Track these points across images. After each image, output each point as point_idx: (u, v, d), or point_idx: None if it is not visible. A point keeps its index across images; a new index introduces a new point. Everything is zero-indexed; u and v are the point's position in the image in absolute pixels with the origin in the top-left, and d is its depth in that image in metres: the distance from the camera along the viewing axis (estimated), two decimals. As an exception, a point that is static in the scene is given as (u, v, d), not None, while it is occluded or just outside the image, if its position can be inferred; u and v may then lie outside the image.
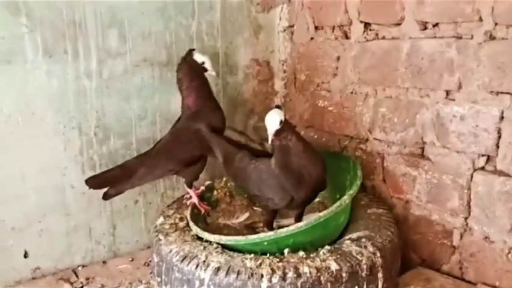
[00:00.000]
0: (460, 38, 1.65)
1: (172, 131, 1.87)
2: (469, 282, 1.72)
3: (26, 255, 1.86)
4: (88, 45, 1.87)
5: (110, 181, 1.79)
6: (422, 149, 1.83)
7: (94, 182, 1.78)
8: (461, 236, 1.74)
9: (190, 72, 1.83)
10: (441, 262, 1.81)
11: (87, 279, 1.87)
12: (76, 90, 1.88)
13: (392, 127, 1.91)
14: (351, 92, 2.07)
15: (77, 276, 1.91)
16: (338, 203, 1.56)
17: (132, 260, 2.03)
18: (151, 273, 1.87)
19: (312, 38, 2.23)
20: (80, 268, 1.96)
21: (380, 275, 1.51)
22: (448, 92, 1.71)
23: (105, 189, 1.79)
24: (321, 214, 1.52)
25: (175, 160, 1.83)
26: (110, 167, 1.94)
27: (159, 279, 1.62)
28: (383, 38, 1.90)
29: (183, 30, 2.08)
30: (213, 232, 1.65)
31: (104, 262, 2.02)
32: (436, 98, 1.75)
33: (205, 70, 1.85)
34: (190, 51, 1.84)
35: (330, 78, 2.16)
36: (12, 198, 1.81)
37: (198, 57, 1.83)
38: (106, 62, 1.92)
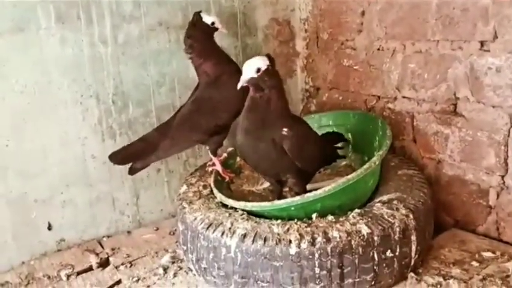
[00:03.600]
0: (495, -17, 1.54)
1: (193, 100, 1.79)
2: (506, 242, 1.66)
3: (50, 227, 1.86)
4: (102, 9, 1.82)
5: (134, 156, 1.74)
6: (455, 105, 1.75)
7: (117, 158, 1.73)
8: (498, 195, 1.67)
9: (202, 36, 1.75)
10: (476, 223, 1.75)
11: (112, 249, 1.86)
12: (92, 57, 1.83)
13: (422, 84, 1.82)
14: (378, 49, 1.98)
15: (102, 246, 1.90)
16: (366, 165, 1.50)
17: (157, 230, 2.01)
18: (176, 242, 1.84)
19: (334, -7, 2.13)
20: (105, 239, 1.96)
21: (413, 237, 1.45)
22: (482, 43, 1.62)
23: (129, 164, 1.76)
24: (349, 177, 1.46)
25: (200, 130, 1.77)
26: (130, 135, 1.91)
27: (185, 248, 1.60)
28: (411, -12, 1.79)
29: (199, -11, 2.00)
30: (238, 199, 1.61)
31: (129, 232, 2.02)
32: (470, 49, 1.65)
33: (216, 30, 1.77)
34: (198, 14, 1.76)
35: (355, 35, 2.07)
36: (33, 169, 1.79)
37: (207, 19, 1.75)
38: (120, 27, 1.87)
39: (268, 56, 1.50)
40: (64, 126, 1.82)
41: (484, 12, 1.57)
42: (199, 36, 1.75)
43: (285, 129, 1.50)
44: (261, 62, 1.46)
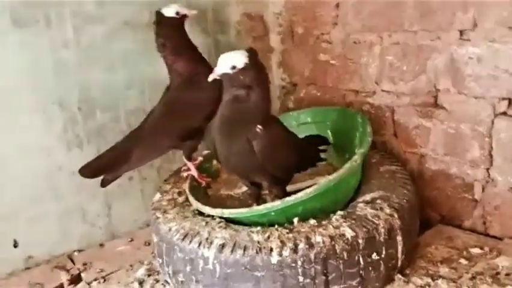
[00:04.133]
0: (474, -31, 1.49)
1: (164, 103, 1.70)
2: (494, 237, 1.62)
3: (15, 245, 1.75)
4: (62, 11, 1.72)
5: (105, 167, 1.65)
6: (436, 97, 1.70)
7: (88, 171, 1.64)
8: (483, 189, 1.63)
9: (172, 31, 1.66)
10: (462, 218, 1.71)
11: (84, 264, 1.77)
12: (54, 62, 1.73)
13: (401, 76, 1.78)
14: (354, 42, 1.93)
15: (73, 262, 1.80)
16: (348, 164, 1.44)
17: (131, 241, 1.92)
18: (152, 253, 1.76)
19: (307, -14, 2.07)
20: (76, 253, 1.86)
21: (399, 238, 1.40)
22: (461, 32, 1.57)
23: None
24: (330, 177, 1.40)
25: (173, 135, 1.68)
26: (98, 143, 1.83)
27: (160, 260, 1.52)
28: (386, -22, 1.74)
29: (166, -14, 1.91)
30: (215, 205, 1.53)
31: (101, 245, 1.92)
32: (449, 39, 1.61)
33: (185, 17, 1.68)
34: (158, 12, 1.67)
35: (331, 28, 2.01)
36: (-4, 184, 1.69)
37: (169, 11, 1.66)
38: (83, 29, 1.77)
39: (250, 51, 1.40)
40: (26, 137, 1.72)
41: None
42: (169, 33, 1.66)
43: (259, 127, 1.41)
44: (238, 59, 1.35)
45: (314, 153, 1.74)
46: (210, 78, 1.37)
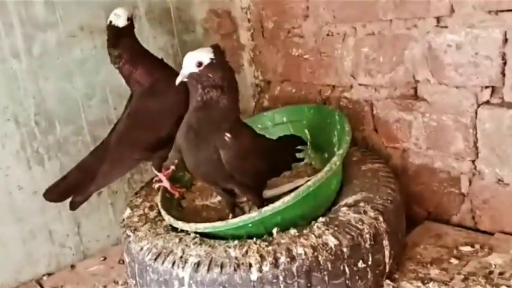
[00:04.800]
0: (446, -50, 1.43)
1: (129, 114, 1.61)
2: (484, 232, 1.56)
3: (-23, 274, 1.64)
4: (9, 18, 1.62)
5: (72, 188, 1.57)
6: (415, 89, 1.64)
7: (53, 194, 1.57)
8: (470, 182, 1.57)
9: (125, 41, 1.57)
10: (450, 213, 1.65)
11: None
12: (4, 74, 1.63)
13: (378, 68, 1.71)
14: (327, 34, 1.85)
15: (42, 287, 1.71)
16: (327, 167, 1.36)
17: (105, 259, 1.83)
18: (126, 272, 1.65)
19: (274, -23, 1.99)
20: (45, 278, 1.77)
21: (385, 242, 1.33)
22: (438, 19, 1.51)
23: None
24: (309, 183, 1.32)
25: (141, 147, 1.59)
26: (60, 158, 1.74)
27: (134, 282, 1.43)
28: (356, -36, 1.66)
29: (123, -17, 1.81)
30: (191, 217, 1.49)
31: (72, 266, 1.83)
32: (426, 27, 1.54)
33: (133, 26, 1.59)
34: (110, 26, 1.57)
35: (302, 21, 1.93)
36: None
37: (121, 21, 1.56)
38: (34, 37, 1.67)
39: (215, 47, 1.31)
40: (-21, 157, 1.61)
41: (437, -16, 1.45)
42: (123, 43, 1.56)
43: (227, 135, 1.33)
44: (204, 55, 1.27)
45: (289, 156, 1.65)
46: (177, 81, 1.29)
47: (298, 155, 1.69)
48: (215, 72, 1.28)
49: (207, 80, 1.28)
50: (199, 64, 1.26)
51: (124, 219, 1.57)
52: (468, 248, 1.46)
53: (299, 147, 1.69)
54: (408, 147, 1.69)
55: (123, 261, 1.75)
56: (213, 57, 1.27)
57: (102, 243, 1.90)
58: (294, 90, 2.08)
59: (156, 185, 1.68)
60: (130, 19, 1.56)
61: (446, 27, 1.48)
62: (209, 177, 1.42)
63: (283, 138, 1.69)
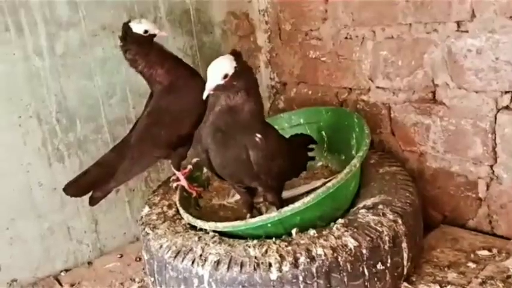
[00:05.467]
0: (469, -44, 1.43)
1: (149, 112, 1.61)
2: (501, 237, 1.56)
3: (-3, 268, 1.66)
4: (33, 17, 1.62)
5: (91, 184, 1.57)
6: (434, 93, 1.64)
7: (73, 189, 1.56)
8: (488, 186, 1.57)
9: (140, 47, 1.55)
10: (466, 217, 1.65)
11: (72, 285, 1.70)
12: (27, 72, 1.64)
13: (397, 72, 1.71)
14: (346, 37, 1.86)
15: (60, 283, 1.73)
16: (347, 168, 1.36)
17: (121, 257, 1.85)
18: (144, 269, 1.68)
19: (293, -20, 2.00)
20: (63, 274, 1.79)
21: (404, 244, 1.33)
22: (459, 23, 1.51)
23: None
24: (329, 184, 1.32)
25: (161, 145, 1.60)
26: (80, 156, 1.75)
27: (152, 279, 1.44)
28: (376, -31, 1.66)
29: (145, -15, 1.83)
30: (208, 216, 1.48)
31: (89, 263, 1.84)
32: (446, 31, 1.55)
33: (153, 36, 1.57)
34: (126, 25, 1.55)
35: (320, 24, 1.94)
36: (-30, 206, 1.60)
37: (138, 28, 1.53)
38: (57, 36, 1.68)
39: (235, 54, 1.31)
40: (2, 153, 1.62)
41: (459, -11, 1.46)
42: (137, 49, 1.55)
43: (258, 136, 1.34)
44: (228, 66, 1.25)
45: (304, 155, 1.67)
46: (205, 95, 1.27)
47: (310, 154, 1.70)
48: (240, 79, 1.28)
49: (232, 88, 1.28)
50: (225, 76, 1.25)
51: (142, 217, 1.58)
52: (485, 252, 1.46)
53: (310, 146, 1.70)
54: (426, 151, 1.69)
55: (140, 258, 1.78)
56: (236, 65, 1.27)
57: (119, 240, 1.91)
58: (310, 92, 2.08)
59: (174, 184, 1.69)
60: (147, 32, 1.53)
61: (467, 31, 1.49)
62: (235, 176, 1.42)
63: (295, 137, 1.70)
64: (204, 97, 1.27)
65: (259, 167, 1.34)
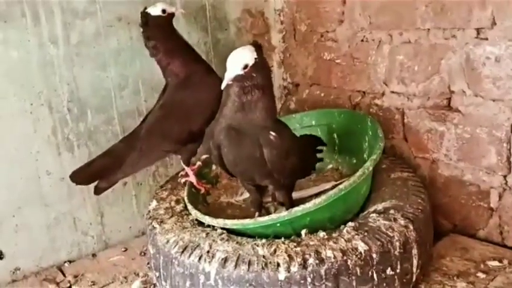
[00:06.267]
0: (493, -37, 1.42)
1: (162, 105, 1.61)
2: (511, 248, 1.54)
3: (1, 256, 1.66)
4: (50, 5, 1.62)
5: (98, 173, 1.56)
6: (449, 99, 1.63)
7: (79, 177, 1.55)
8: (500, 197, 1.56)
9: (162, 31, 1.56)
10: (477, 227, 1.64)
11: (75, 276, 1.69)
12: (41, 60, 1.64)
13: (412, 77, 1.70)
14: (362, 40, 1.85)
15: (63, 274, 1.72)
16: (360, 171, 1.35)
17: (126, 250, 1.84)
18: (148, 264, 1.68)
19: (311, -19, 2.00)
20: (66, 264, 1.78)
21: (414, 251, 1.32)
22: (478, 31, 1.50)
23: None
24: (341, 186, 1.31)
25: (171, 139, 1.59)
26: (89, 147, 1.75)
27: (157, 274, 1.43)
28: (396, -28, 1.66)
29: (162, -22, 1.82)
30: (216, 213, 1.47)
31: (93, 255, 1.84)
32: (465, 38, 1.54)
33: (172, 15, 1.59)
34: (145, 12, 1.57)
35: (336, 25, 1.93)
36: (-22, 191, 1.60)
37: (156, 10, 1.55)
38: (73, 25, 1.68)
39: (256, 46, 1.29)
40: (12, 140, 1.62)
41: (480, -4, 1.45)
42: (158, 34, 1.56)
43: (273, 134, 1.32)
44: (249, 56, 1.24)
45: (313, 156, 1.66)
46: (223, 85, 1.26)
47: (319, 155, 1.69)
48: (258, 71, 1.26)
49: (250, 80, 1.26)
50: (245, 66, 1.24)
51: (149, 211, 1.57)
52: (496, 263, 1.45)
53: (319, 147, 1.69)
54: (438, 158, 1.68)
55: (144, 253, 1.77)
56: (257, 57, 1.26)
57: (124, 234, 1.90)
58: (322, 94, 2.08)
59: (182, 180, 1.69)
60: (165, 11, 1.56)
61: (486, 39, 1.48)
62: (247, 173, 1.41)
63: (304, 138, 1.69)
64: (223, 87, 1.26)
65: (273, 164, 1.33)
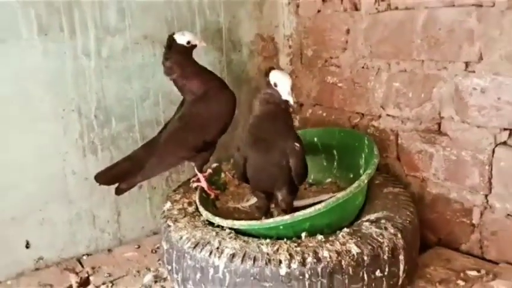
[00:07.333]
0: (481, 6, 1.56)
1: (180, 116, 1.75)
2: (490, 261, 1.66)
3: (27, 246, 1.79)
4: (85, 21, 1.77)
5: (120, 175, 1.70)
6: (439, 124, 1.75)
7: (103, 178, 1.69)
8: (481, 214, 1.67)
9: (180, 57, 1.71)
10: (460, 241, 1.75)
11: (93, 268, 1.80)
12: (74, 70, 1.78)
13: (407, 102, 1.83)
14: (363, 67, 1.98)
15: (82, 265, 1.84)
16: (356, 183, 1.48)
17: (138, 247, 1.96)
18: (159, 260, 1.80)
19: (319, 11, 2.14)
20: (85, 257, 1.89)
21: (401, 257, 1.44)
22: (467, 64, 1.63)
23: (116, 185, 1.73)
24: (339, 195, 1.45)
25: (187, 147, 1.73)
26: (112, 151, 1.88)
27: (169, 267, 1.55)
28: (396, 8, 1.80)
29: (185, 3, 1.97)
30: (223, 217, 1.57)
31: (109, 250, 1.95)
32: (455, 70, 1.66)
33: (194, 47, 1.74)
34: (171, 37, 1.71)
35: (340, 52, 2.07)
36: (11, 186, 1.72)
37: (181, 39, 1.70)
38: (104, 40, 1.82)
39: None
40: (44, 141, 1.76)
41: (469, 33, 1.59)
42: (177, 59, 1.71)
43: (297, 144, 1.51)
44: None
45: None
46: (291, 101, 1.45)
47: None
48: None
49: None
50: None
51: (164, 211, 1.69)
52: (474, 273, 1.57)
53: None
54: (428, 177, 1.80)
55: (155, 251, 1.89)
56: None
57: (137, 233, 2.02)
58: (324, 114, 2.20)
59: (194, 185, 1.81)
60: (189, 43, 1.71)
61: (474, 72, 1.60)
62: (270, 181, 1.56)
63: None
64: (292, 102, 1.46)
65: (296, 172, 1.51)
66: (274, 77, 1.47)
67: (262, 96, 1.50)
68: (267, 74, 1.49)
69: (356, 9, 1.96)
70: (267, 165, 1.53)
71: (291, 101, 1.45)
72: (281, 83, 1.46)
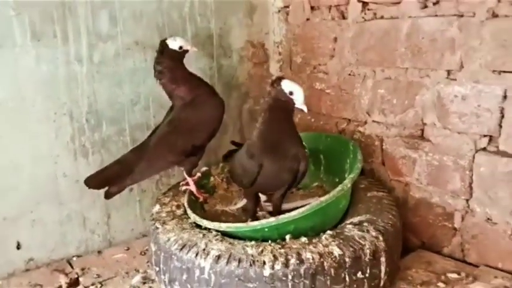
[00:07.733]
0: (462, 16, 1.61)
1: (169, 121, 1.78)
2: (470, 264, 1.70)
3: (18, 247, 1.82)
4: (78, 28, 1.81)
5: (110, 179, 1.72)
6: (422, 130, 1.80)
7: (93, 182, 1.71)
8: (463, 218, 1.71)
9: (172, 62, 1.75)
10: (441, 245, 1.79)
11: (82, 269, 1.83)
12: (66, 75, 1.82)
13: (391, 109, 1.87)
14: (349, 74, 2.02)
15: (72, 266, 1.86)
16: (339, 187, 1.53)
17: (128, 249, 1.98)
18: (147, 262, 1.83)
19: (308, 19, 2.18)
20: (74, 258, 1.92)
21: (382, 259, 1.47)
22: (449, 72, 1.67)
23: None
24: (322, 199, 1.49)
25: (176, 151, 1.76)
26: (102, 154, 1.90)
27: (157, 269, 1.58)
28: (382, 17, 1.86)
29: (176, 10, 2.02)
30: (211, 219, 1.60)
31: (99, 252, 1.98)
32: (437, 78, 1.71)
33: (185, 52, 1.78)
34: (164, 42, 1.75)
35: (327, 60, 2.11)
36: (3, 187, 1.76)
37: (174, 44, 1.74)
38: (96, 46, 1.86)
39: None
40: (36, 143, 1.79)
41: (451, 42, 1.63)
42: (168, 63, 1.75)
43: (306, 150, 1.58)
44: None
45: None
46: (305, 109, 1.53)
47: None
48: None
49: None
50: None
51: (153, 214, 1.72)
52: (455, 275, 1.61)
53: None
54: (411, 182, 1.84)
55: (144, 253, 1.91)
56: None
57: (126, 235, 2.05)
58: (312, 120, 2.24)
59: (183, 188, 1.84)
60: (181, 48, 1.75)
61: (455, 79, 1.65)
62: (280, 185, 1.61)
63: None
64: (306, 110, 1.52)
65: (302, 175, 1.57)
66: (290, 86, 1.52)
67: (276, 104, 1.53)
68: (275, 82, 1.54)
69: (343, 18, 2.01)
70: (282, 170, 1.57)
71: (305, 109, 1.52)
72: (297, 92, 1.51)
